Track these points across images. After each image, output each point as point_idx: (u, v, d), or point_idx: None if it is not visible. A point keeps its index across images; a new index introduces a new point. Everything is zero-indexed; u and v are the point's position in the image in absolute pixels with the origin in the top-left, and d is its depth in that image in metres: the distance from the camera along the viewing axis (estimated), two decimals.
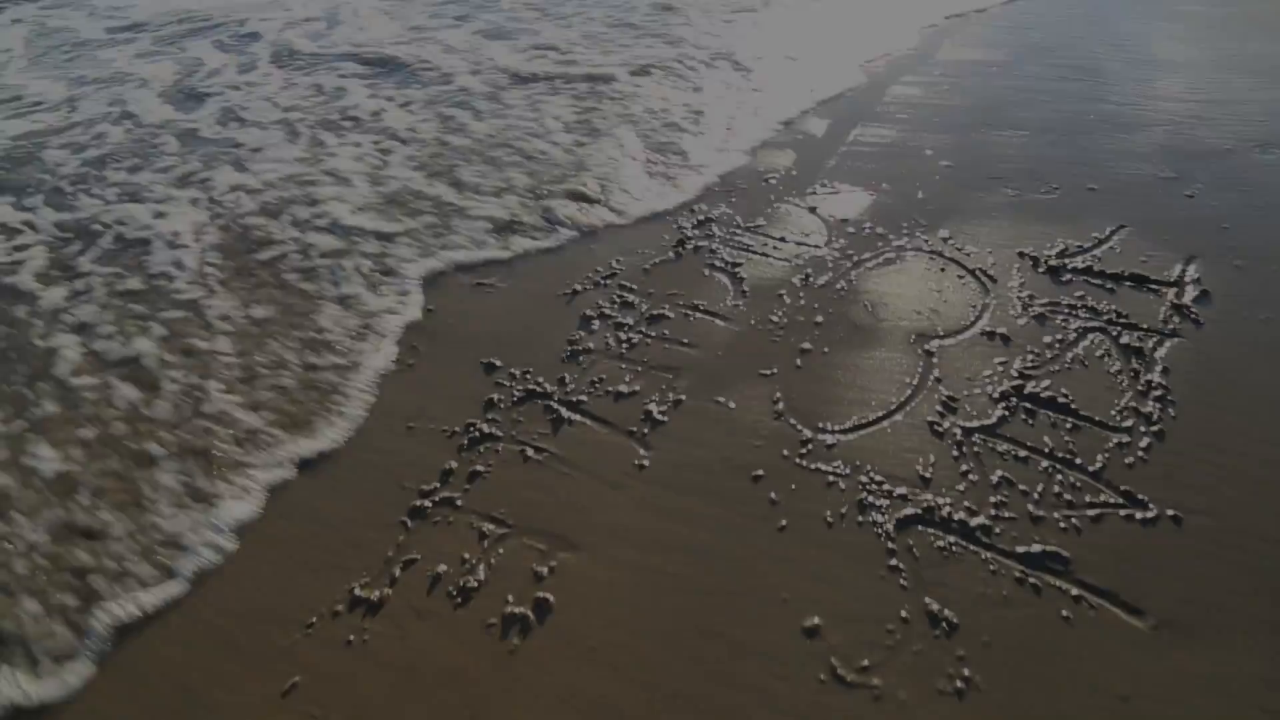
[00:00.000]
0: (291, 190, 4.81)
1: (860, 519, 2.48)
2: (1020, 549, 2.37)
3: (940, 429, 2.78)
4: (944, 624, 2.18)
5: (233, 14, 8.40)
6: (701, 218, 4.20)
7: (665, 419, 2.91)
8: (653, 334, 3.36)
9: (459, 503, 2.64)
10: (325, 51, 7.24)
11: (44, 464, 2.95)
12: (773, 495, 2.58)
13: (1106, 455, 2.67)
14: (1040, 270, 3.59)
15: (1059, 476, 2.60)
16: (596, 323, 3.45)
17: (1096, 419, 2.80)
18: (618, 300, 3.57)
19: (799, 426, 2.83)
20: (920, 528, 2.45)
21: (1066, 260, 3.64)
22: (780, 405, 2.93)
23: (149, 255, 4.23)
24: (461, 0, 8.39)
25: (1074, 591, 2.26)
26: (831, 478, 2.63)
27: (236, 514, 2.67)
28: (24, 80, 6.91)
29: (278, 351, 3.42)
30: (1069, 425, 2.78)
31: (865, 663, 2.10)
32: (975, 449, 2.70)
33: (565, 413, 2.97)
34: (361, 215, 4.47)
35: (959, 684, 2.05)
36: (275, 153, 5.37)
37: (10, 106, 6.39)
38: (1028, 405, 2.86)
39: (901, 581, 2.29)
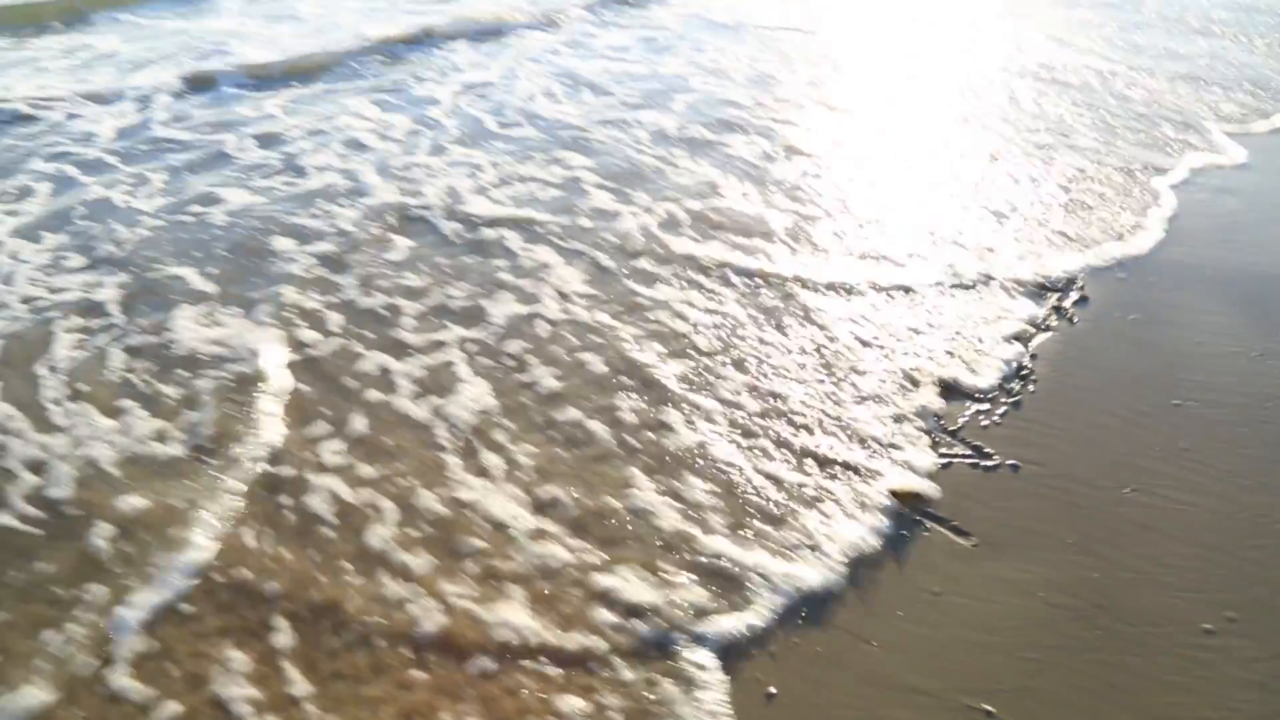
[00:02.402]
0: (607, 345, 3.44)
1: None
2: None
3: None
4: None
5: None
6: None
7: None
8: None
9: None
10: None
11: None
12: None
13: (965, 419, 3.17)
14: None
15: None
16: None
17: (963, 391, 3.32)
18: None
19: None
20: None
21: None
22: None
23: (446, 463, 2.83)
24: None
25: (914, 518, 2.75)
26: None
27: None
28: (208, 134, 5.60)
29: None
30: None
31: None
32: None
33: None
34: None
35: None
36: (564, 270, 3.87)
37: (215, 167, 5.13)
38: None
39: None
